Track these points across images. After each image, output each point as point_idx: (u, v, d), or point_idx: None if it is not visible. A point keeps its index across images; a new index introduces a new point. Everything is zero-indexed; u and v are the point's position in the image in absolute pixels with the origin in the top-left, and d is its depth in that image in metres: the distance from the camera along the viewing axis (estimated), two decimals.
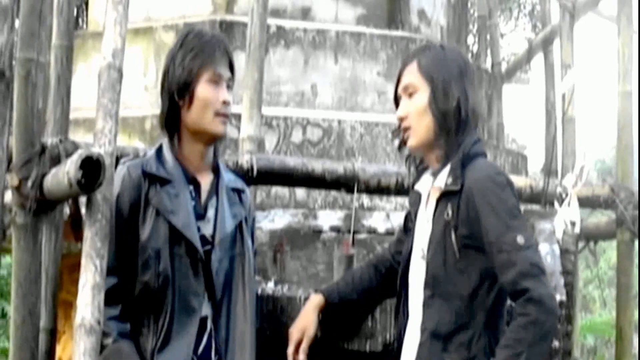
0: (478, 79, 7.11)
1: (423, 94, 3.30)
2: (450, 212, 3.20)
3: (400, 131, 3.39)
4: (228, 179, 3.53)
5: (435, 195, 3.29)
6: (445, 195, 3.23)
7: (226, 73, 3.44)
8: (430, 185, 3.36)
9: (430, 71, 3.31)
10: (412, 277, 3.35)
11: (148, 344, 3.28)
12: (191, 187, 3.40)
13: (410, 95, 3.33)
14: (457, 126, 3.27)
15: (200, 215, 3.39)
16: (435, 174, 3.33)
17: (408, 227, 3.50)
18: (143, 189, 3.32)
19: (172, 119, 3.42)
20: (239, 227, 3.47)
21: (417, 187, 3.44)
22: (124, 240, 3.29)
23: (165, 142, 3.44)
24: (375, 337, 3.95)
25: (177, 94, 3.39)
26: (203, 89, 3.38)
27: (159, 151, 3.43)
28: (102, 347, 3.20)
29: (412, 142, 3.34)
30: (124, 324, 3.28)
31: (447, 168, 3.27)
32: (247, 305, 3.42)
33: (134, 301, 3.30)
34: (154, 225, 3.29)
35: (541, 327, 3.04)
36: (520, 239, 3.11)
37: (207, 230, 3.39)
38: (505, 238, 3.11)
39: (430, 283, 3.23)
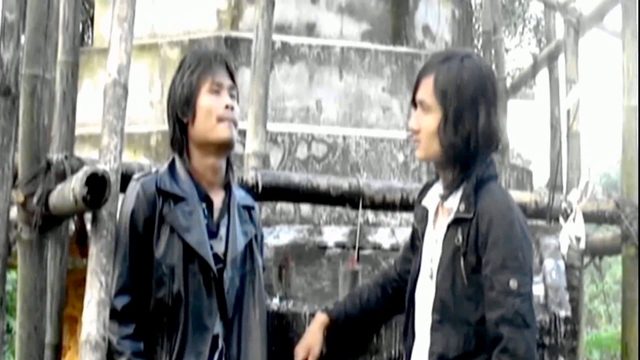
0: None
1: (435, 117, 3.21)
2: (460, 238, 3.16)
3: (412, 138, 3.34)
4: (239, 196, 3.53)
5: (445, 217, 3.26)
6: (456, 221, 3.21)
7: (226, 81, 3.44)
8: (438, 203, 3.33)
9: (444, 93, 3.19)
10: (420, 296, 3.32)
11: None
12: (204, 205, 3.40)
13: (425, 112, 3.24)
14: (466, 156, 3.20)
15: (213, 234, 3.39)
16: (445, 194, 3.30)
17: (415, 244, 3.47)
18: (157, 205, 3.31)
19: (179, 139, 3.42)
20: (249, 245, 3.47)
21: (424, 202, 3.41)
22: (138, 257, 3.29)
23: (177, 157, 3.45)
24: (380, 353, 3.95)
25: (180, 111, 3.40)
26: (204, 99, 3.39)
27: (172, 166, 3.43)
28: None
29: (419, 154, 3.30)
30: (137, 343, 3.27)
31: (459, 192, 3.23)
32: (258, 323, 3.43)
33: (148, 318, 3.30)
34: (169, 243, 3.29)
35: None
36: (513, 283, 3.07)
37: (220, 248, 3.38)
38: (498, 277, 3.08)
39: (439, 308, 3.20)
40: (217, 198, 3.45)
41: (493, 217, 3.13)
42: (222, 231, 3.42)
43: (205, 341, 3.30)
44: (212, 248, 3.35)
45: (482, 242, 3.13)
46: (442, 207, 3.31)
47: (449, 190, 3.27)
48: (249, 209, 3.55)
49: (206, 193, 3.42)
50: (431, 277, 3.26)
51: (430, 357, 3.21)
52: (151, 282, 3.29)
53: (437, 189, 3.36)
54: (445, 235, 3.23)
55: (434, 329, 3.22)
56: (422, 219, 3.39)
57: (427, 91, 3.24)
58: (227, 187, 3.49)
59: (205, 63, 3.41)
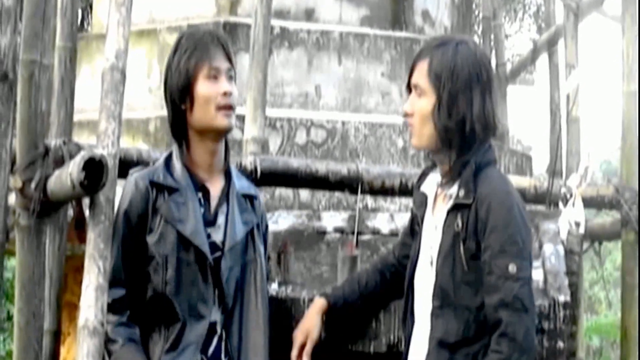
0: None
1: (428, 100, 3.22)
2: (460, 224, 3.16)
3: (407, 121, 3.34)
4: (240, 185, 3.51)
5: (444, 203, 3.26)
6: (455, 207, 3.21)
7: (223, 64, 3.40)
8: (437, 188, 3.33)
9: (438, 77, 3.20)
10: (419, 283, 3.32)
11: (157, 348, 3.29)
12: (200, 194, 3.39)
13: (419, 95, 3.25)
14: (461, 141, 3.20)
15: (210, 222, 3.38)
16: (444, 181, 3.29)
17: (415, 229, 3.46)
18: (150, 199, 3.31)
19: (179, 125, 3.41)
20: (250, 234, 3.45)
21: (423, 188, 3.40)
22: (132, 251, 3.29)
23: (175, 149, 3.43)
24: (379, 338, 3.94)
25: (178, 98, 3.37)
26: (202, 86, 3.35)
27: (168, 159, 3.41)
28: (111, 354, 3.20)
29: (413, 141, 3.31)
30: (132, 329, 3.28)
31: (458, 178, 3.22)
32: (260, 312, 3.43)
33: (145, 307, 3.31)
34: (162, 233, 3.29)
35: None
36: (512, 268, 3.07)
37: (218, 236, 3.38)
38: (497, 261, 3.09)
39: (439, 294, 3.20)
40: (216, 187, 3.44)
41: (492, 203, 3.14)
42: (221, 219, 3.41)
43: (201, 329, 3.30)
44: (209, 237, 3.35)
45: (482, 228, 3.13)
46: (441, 193, 3.30)
47: (448, 176, 3.27)
48: (251, 198, 3.53)
49: (202, 183, 3.41)
50: (431, 263, 3.26)
51: (430, 343, 3.22)
52: (147, 273, 3.29)
53: (436, 175, 3.36)
54: (445, 221, 3.23)
55: (434, 315, 3.22)
56: (421, 205, 3.39)
57: (421, 75, 3.25)
58: (227, 176, 3.47)
59: (202, 47, 3.37)
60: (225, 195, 3.44)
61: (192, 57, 3.36)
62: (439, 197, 3.32)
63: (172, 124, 3.44)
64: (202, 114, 3.36)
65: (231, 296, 3.37)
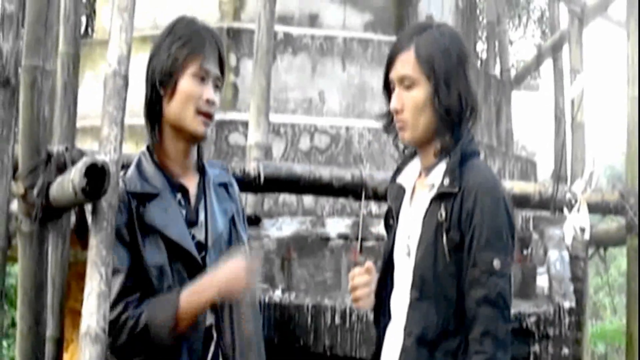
0: (487, 85, 7.10)
1: (422, 88, 3.11)
2: (443, 214, 3.07)
3: (393, 123, 3.21)
4: (213, 174, 3.39)
5: (425, 192, 3.18)
6: (440, 196, 3.12)
7: (214, 70, 3.28)
8: (416, 179, 3.26)
9: (429, 62, 3.10)
10: (398, 275, 3.25)
11: None
12: (179, 195, 3.28)
13: (408, 88, 3.14)
14: (459, 120, 3.12)
15: (193, 222, 3.27)
16: (428, 170, 3.22)
17: (389, 223, 3.35)
18: (133, 209, 3.19)
19: (154, 109, 3.28)
20: (231, 223, 3.35)
21: (399, 180, 3.32)
22: (134, 262, 3.15)
23: (144, 152, 3.32)
24: (371, 343, 3.93)
25: (159, 82, 3.25)
26: (187, 82, 3.23)
27: (139, 164, 3.30)
28: (135, 329, 3.11)
29: (407, 136, 3.16)
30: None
31: (442, 166, 3.13)
32: (248, 303, 3.30)
33: None
34: (152, 243, 3.18)
35: None
36: (496, 263, 3.01)
37: (201, 235, 3.27)
38: (482, 255, 3.02)
39: (418, 284, 3.11)
40: (192, 183, 3.32)
41: (479, 194, 3.05)
42: (202, 216, 3.29)
43: (198, 337, 3.21)
44: (194, 237, 3.24)
45: (467, 218, 3.04)
46: (422, 182, 3.23)
47: (431, 164, 3.20)
48: (225, 185, 3.41)
49: (179, 183, 3.29)
50: (408, 254, 3.16)
51: (406, 338, 3.13)
52: (149, 282, 3.17)
53: (415, 166, 3.28)
54: (427, 210, 3.14)
55: (412, 307, 3.13)
56: (398, 197, 3.30)
57: (408, 65, 3.14)
58: (201, 169, 3.36)
59: (198, 41, 3.26)
60: (202, 189, 3.32)
61: (185, 47, 3.25)
62: (419, 187, 3.25)
63: (148, 107, 3.29)
64: (180, 111, 3.24)
65: None
